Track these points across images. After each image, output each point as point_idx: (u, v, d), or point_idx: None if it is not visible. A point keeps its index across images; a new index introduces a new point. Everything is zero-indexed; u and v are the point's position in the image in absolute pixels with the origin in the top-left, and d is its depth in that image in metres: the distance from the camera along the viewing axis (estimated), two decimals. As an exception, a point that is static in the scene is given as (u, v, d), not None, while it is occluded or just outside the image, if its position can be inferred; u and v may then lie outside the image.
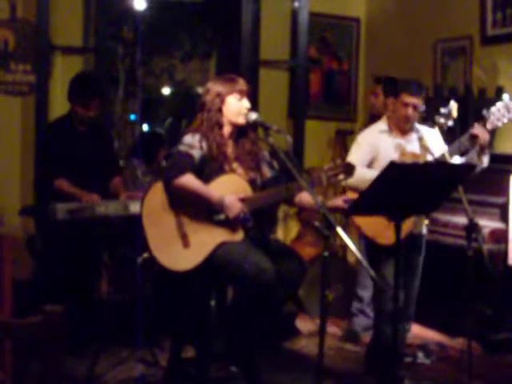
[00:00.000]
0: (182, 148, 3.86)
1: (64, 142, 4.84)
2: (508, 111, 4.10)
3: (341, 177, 3.69)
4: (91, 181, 4.78)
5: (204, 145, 3.87)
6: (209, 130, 3.89)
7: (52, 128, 5.06)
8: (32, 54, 5.80)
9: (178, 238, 3.80)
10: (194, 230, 3.81)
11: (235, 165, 3.94)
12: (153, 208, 3.85)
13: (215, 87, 3.96)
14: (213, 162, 3.88)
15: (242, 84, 3.97)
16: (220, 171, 3.89)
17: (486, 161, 4.22)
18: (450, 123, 4.17)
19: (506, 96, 4.19)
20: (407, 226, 4.11)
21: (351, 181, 4.02)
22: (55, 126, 5.05)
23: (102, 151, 5.03)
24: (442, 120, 4.14)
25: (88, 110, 4.84)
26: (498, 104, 4.12)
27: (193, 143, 3.86)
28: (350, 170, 3.66)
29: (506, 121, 4.12)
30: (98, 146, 5.01)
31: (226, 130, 3.95)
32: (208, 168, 3.87)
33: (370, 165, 4.26)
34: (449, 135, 4.27)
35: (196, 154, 3.85)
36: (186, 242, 3.80)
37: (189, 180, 3.77)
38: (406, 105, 4.21)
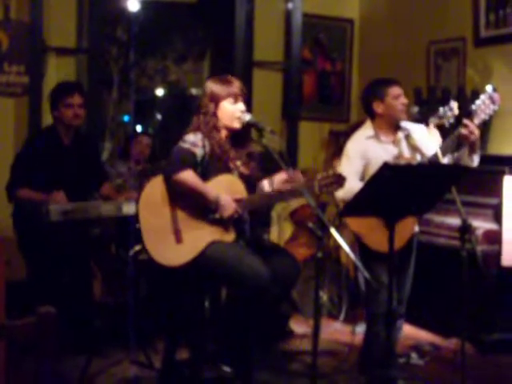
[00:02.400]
0: (184, 145, 3.88)
1: (45, 155, 4.74)
2: (492, 102, 4.09)
3: (332, 187, 3.72)
4: (76, 194, 4.75)
5: (206, 144, 3.89)
6: (208, 133, 3.91)
7: (36, 142, 4.90)
8: (25, 55, 5.80)
9: (172, 233, 3.82)
10: (187, 226, 3.83)
11: (238, 163, 3.96)
12: (150, 200, 3.86)
13: (210, 89, 3.98)
14: (216, 161, 3.90)
15: (236, 86, 3.97)
16: (225, 170, 3.91)
17: (476, 160, 4.20)
18: (452, 120, 4.16)
19: (489, 87, 4.17)
20: (405, 235, 4.13)
21: (341, 194, 4.04)
22: (39, 141, 4.89)
23: (88, 164, 4.97)
24: (443, 118, 4.13)
25: (73, 109, 4.73)
26: (482, 96, 4.10)
27: (195, 142, 3.88)
28: (341, 180, 3.70)
29: (491, 112, 4.11)
30: (84, 159, 4.93)
31: (223, 133, 3.97)
32: (212, 167, 3.89)
33: (364, 173, 4.24)
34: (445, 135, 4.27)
35: (198, 152, 3.87)
36: (178, 238, 3.82)
37: (188, 176, 3.79)
38: (398, 96, 4.23)
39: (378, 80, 4.40)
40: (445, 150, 4.07)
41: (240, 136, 4.03)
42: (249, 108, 4.07)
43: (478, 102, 4.09)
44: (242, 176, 3.96)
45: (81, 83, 5.13)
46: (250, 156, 4.05)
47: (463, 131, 4.03)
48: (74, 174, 4.82)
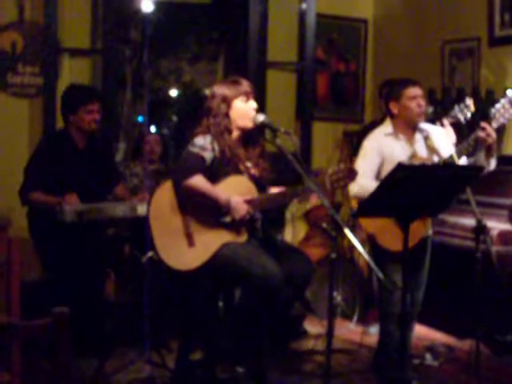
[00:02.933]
0: (193, 149, 3.87)
1: (58, 158, 4.75)
2: None
3: (344, 181, 3.70)
4: (89, 196, 4.75)
5: (216, 147, 3.88)
6: (219, 136, 3.90)
7: (50, 146, 4.90)
8: (40, 56, 5.82)
9: (184, 237, 3.83)
10: (199, 230, 3.83)
11: (249, 164, 3.96)
12: (161, 206, 3.87)
13: (220, 91, 3.96)
14: (227, 163, 3.89)
15: (246, 85, 3.97)
16: (236, 172, 3.91)
17: (493, 163, 4.20)
18: (469, 116, 4.14)
19: (510, 91, 4.15)
20: (418, 233, 4.11)
21: (355, 191, 4.03)
22: (53, 144, 4.89)
23: (102, 167, 4.98)
24: (459, 114, 4.12)
25: (92, 114, 4.75)
26: (502, 100, 4.08)
27: (204, 145, 3.87)
28: (352, 175, 3.68)
29: (510, 116, 4.09)
30: (98, 162, 4.94)
31: (235, 134, 3.96)
32: (223, 170, 3.89)
33: (379, 169, 4.24)
34: (460, 133, 4.26)
35: (207, 156, 3.86)
36: (191, 242, 3.82)
37: (198, 181, 3.79)
38: (414, 97, 4.20)
39: (396, 80, 4.39)
40: (460, 152, 4.06)
41: (252, 135, 4.02)
42: (262, 108, 4.07)
43: (497, 105, 4.07)
44: (253, 178, 3.96)
45: (97, 89, 5.13)
46: (261, 156, 4.04)
47: (481, 134, 4.02)
48: (88, 178, 4.83)
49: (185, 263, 3.81)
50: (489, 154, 4.13)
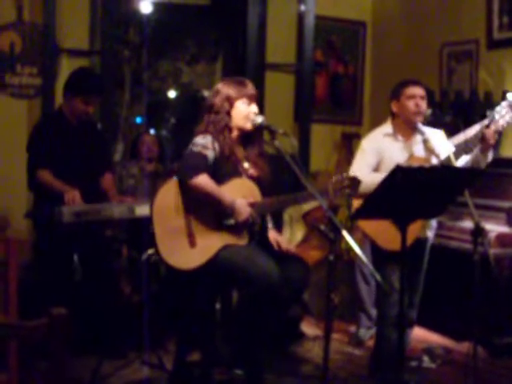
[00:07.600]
0: (195, 149, 3.88)
1: (54, 135, 4.77)
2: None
3: (347, 191, 3.71)
4: (80, 175, 4.75)
5: (216, 146, 3.89)
6: (218, 133, 3.91)
7: (42, 121, 4.99)
8: (38, 56, 5.82)
9: (185, 237, 3.82)
10: (201, 230, 3.83)
11: (246, 165, 3.97)
12: (165, 204, 3.87)
13: (225, 90, 3.97)
14: (226, 163, 3.90)
15: (251, 88, 3.98)
16: (235, 172, 3.92)
17: (490, 156, 4.20)
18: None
19: (510, 95, 4.15)
20: (414, 232, 4.10)
21: (362, 187, 4.01)
22: (46, 120, 5.00)
23: (94, 146, 4.97)
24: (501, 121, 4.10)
25: (87, 105, 4.76)
26: (503, 103, 4.10)
27: (206, 144, 3.88)
28: (355, 184, 3.69)
29: (510, 120, 4.10)
30: (90, 140, 4.95)
31: (234, 133, 3.97)
32: (222, 169, 3.90)
33: (376, 169, 4.24)
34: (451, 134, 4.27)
35: (210, 154, 3.87)
36: (192, 242, 3.82)
37: (203, 181, 3.79)
38: (413, 96, 4.20)
39: (402, 80, 4.39)
40: (458, 153, 4.06)
41: (251, 136, 4.03)
42: (261, 110, 4.07)
43: (498, 108, 4.09)
44: (251, 178, 3.96)
45: (101, 80, 5.12)
46: (259, 156, 4.05)
47: (486, 134, 4.03)
48: (79, 155, 4.82)
49: (185, 262, 3.80)
50: (486, 151, 4.13)
